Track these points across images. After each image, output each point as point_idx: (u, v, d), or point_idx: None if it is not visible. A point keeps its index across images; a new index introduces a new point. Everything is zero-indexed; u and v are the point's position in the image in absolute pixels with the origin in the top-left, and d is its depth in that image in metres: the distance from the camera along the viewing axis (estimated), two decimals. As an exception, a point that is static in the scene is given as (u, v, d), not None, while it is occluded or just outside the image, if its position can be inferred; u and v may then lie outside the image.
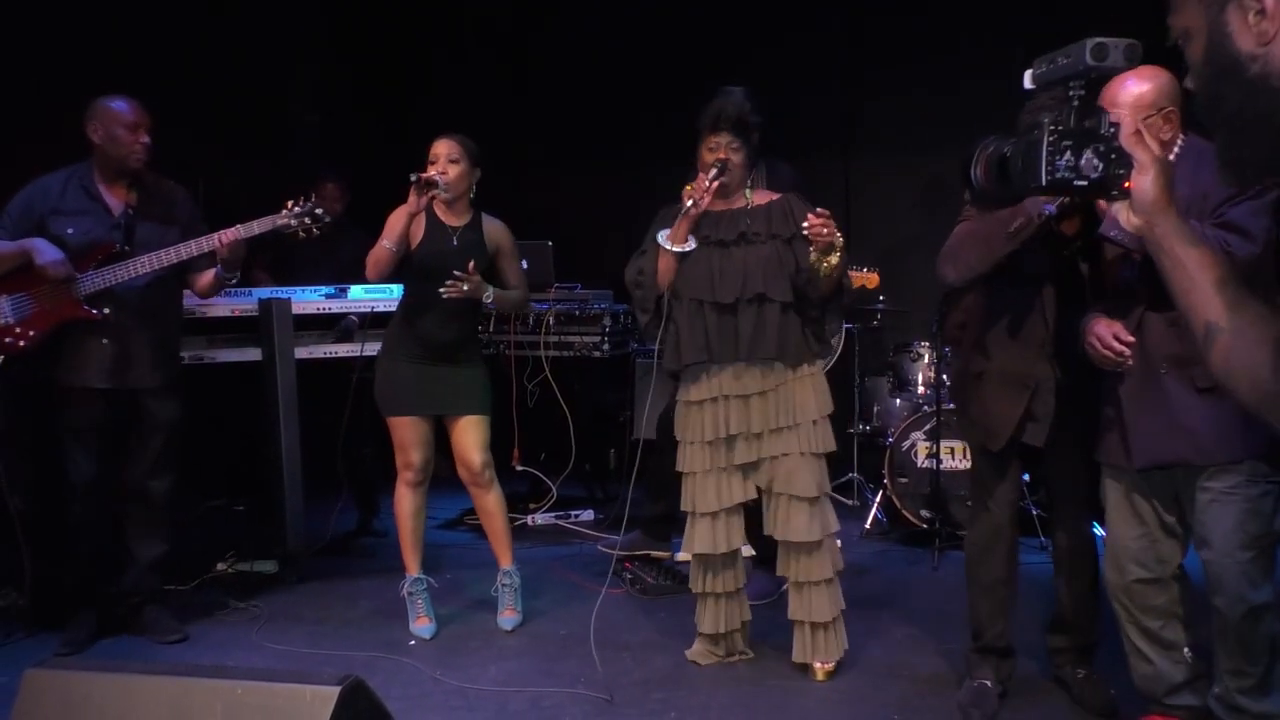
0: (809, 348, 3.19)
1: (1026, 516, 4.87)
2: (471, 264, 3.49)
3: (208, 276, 3.61)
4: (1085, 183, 1.37)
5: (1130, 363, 2.51)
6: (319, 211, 3.50)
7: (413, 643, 3.60)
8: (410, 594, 3.70)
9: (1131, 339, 2.52)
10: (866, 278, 4.81)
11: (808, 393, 3.17)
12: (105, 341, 3.46)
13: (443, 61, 6.87)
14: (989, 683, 3.04)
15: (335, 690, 1.71)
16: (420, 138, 3.66)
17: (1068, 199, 2.57)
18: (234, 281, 3.64)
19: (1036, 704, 3.10)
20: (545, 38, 6.76)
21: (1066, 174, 1.37)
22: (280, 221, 3.49)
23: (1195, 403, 2.48)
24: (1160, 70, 2.50)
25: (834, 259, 3.01)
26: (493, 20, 6.87)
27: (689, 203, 3.10)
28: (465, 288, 3.46)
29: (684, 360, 3.18)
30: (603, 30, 6.54)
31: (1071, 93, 1.39)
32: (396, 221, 3.45)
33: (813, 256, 3.02)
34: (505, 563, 3.80)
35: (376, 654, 3.48)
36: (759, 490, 3.23)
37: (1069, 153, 1.36)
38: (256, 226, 3.48)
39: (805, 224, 3.00)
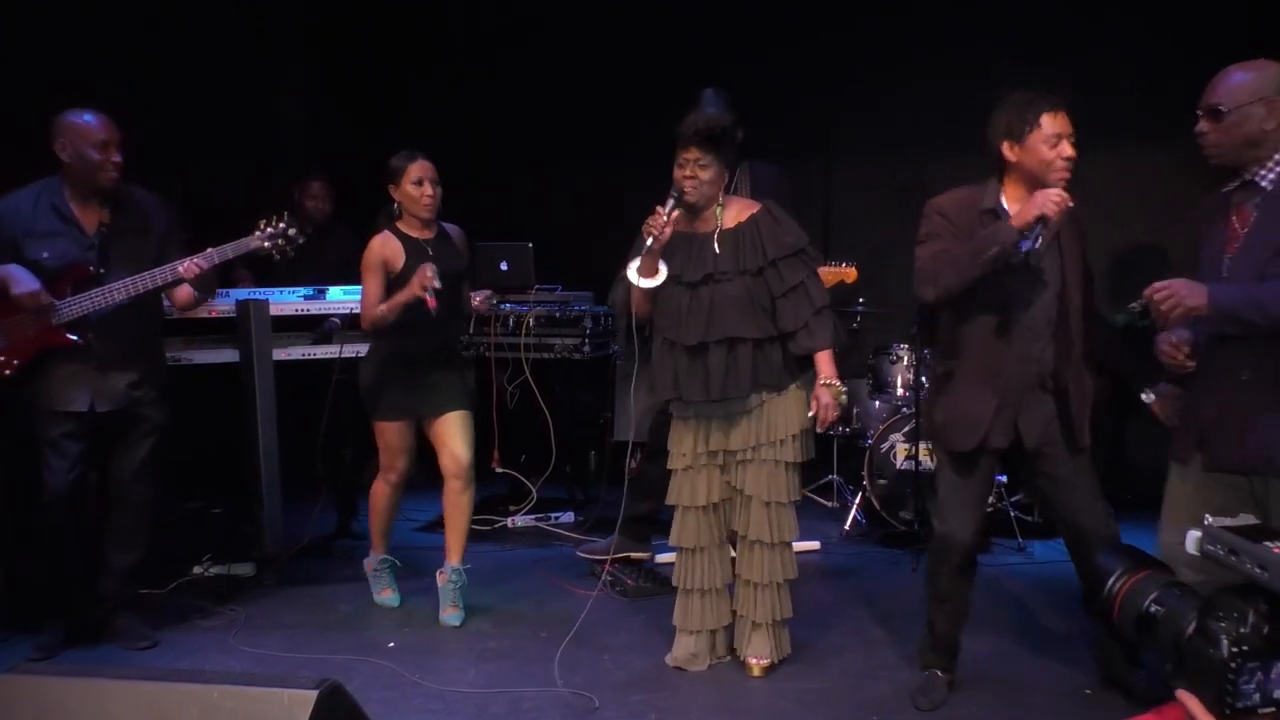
0: (789, 373, 3.20)
1: (1004, 519, 4.91)
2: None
3: (185, 291, 3.57)
4: (1273, 708, 1.19)
5: (1190, 366, 2.50)
6: (292, 233, 3.48)
7: (391, 644, 3.58)
8: (376, 570, 3.96)
9: (1188, 349, 2.51)
10: (844, 272, 4.82)
11: (790, 408, 3.19)
12: (90, 366, 3.41)
13: (427, 61, 6.85)
14: (939, 672, 3.14)
15: (313, 694, 1.69)
16: (405, 137, 3.69)
17: (1039, 243, 2.64)
18: (210, 299, 3.60)
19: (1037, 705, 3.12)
20: (529, 39, 6.75)
21: (1255, 699, 1.19)
22: (253, 244, 3.46)
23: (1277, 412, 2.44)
24: (1269, 63, 2.51)
25: (843, 399, 3.14)
26: (477, 20, 6.86)
27: (649, 240, 3.04)
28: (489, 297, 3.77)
29: (658, 396, 3.25)
30: (585, 32, 6.54)
31: (1261, 607, 1.19)
32: (396, 302, 3.56)
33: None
34: (456, 559, 3.85)
35: (355, 657, 3.46)
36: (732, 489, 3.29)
37: (1259, 674, 1.18)
38: (230, 251, 3.44)
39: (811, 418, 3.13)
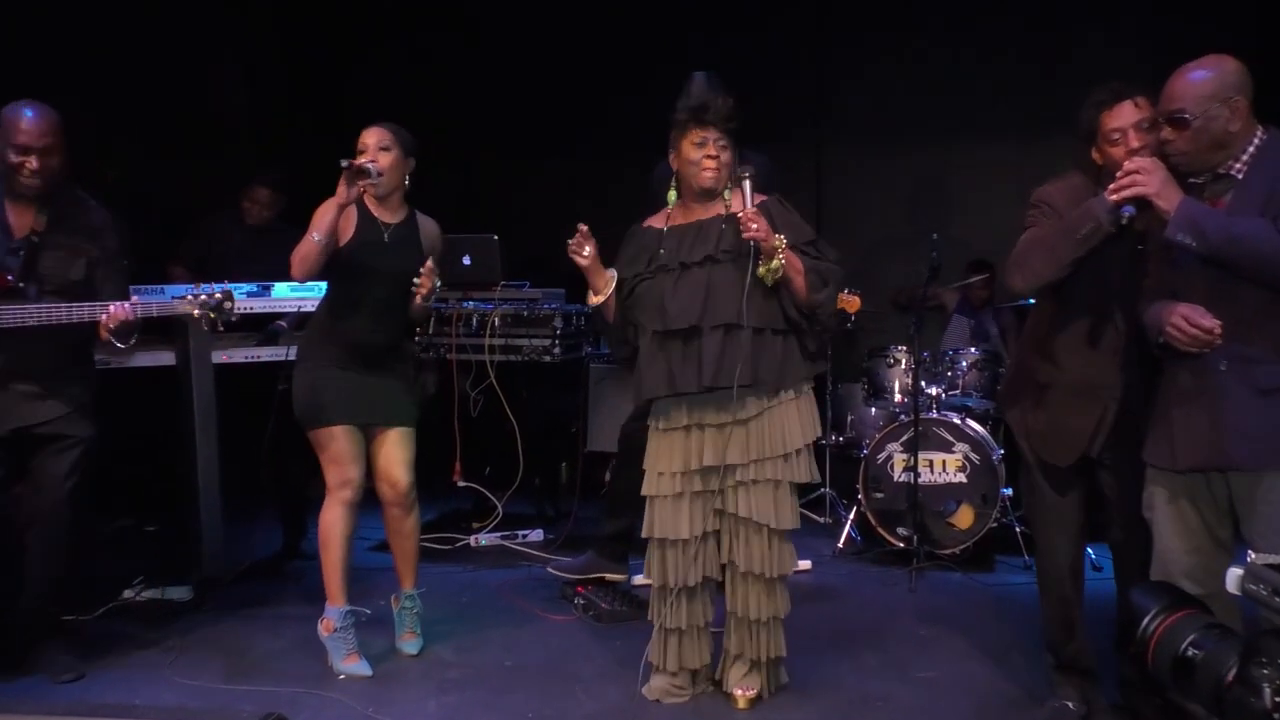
0: (793, 370, 3.18)
1: (1009, 534, 4.93)
2: (430, 261, 3.55)
3: (102, 333, 3.44)
4: None
5: (1220, 340, 2.54)
6: (228, 306, 3.45)
7: (343, 676, 3.56)
8: (340, 631, 3.61)
9: (1217, 320, 2.55)
10: (847, 301, 4.84)
11: (791, 420, 3.16)
12: None
13: (385, 40, 6.82)
14: (1070, 704, 3.15)
15: (254, 730, 1.68)
16: (355, 119, 3.64)
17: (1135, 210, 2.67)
18: (126, 346, 3.51)
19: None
20: (496, 16, 6.74)
21: None
22: (180, 309, 3.43)
23: (1254, 404, 2.56)
24: (1224, 58, 2.63)
25: (773, 264, 3.01)
26: (438, -2, 6.85)
27: (577, 258, 3.18)
28: (437, 282, 3.56)
29: (644, 395, 3.20)
30: (558, 9, 6.53)
31: None
32: (325, 214, 3.43)
33: (762, 269, 3.04)
34: (409, 585, 3.80)
35: (303, 689, 3.43)
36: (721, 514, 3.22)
37: None
38: (155, 310, 3.41)
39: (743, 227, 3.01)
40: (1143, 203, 2.63)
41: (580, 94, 6.44)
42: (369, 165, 3.44)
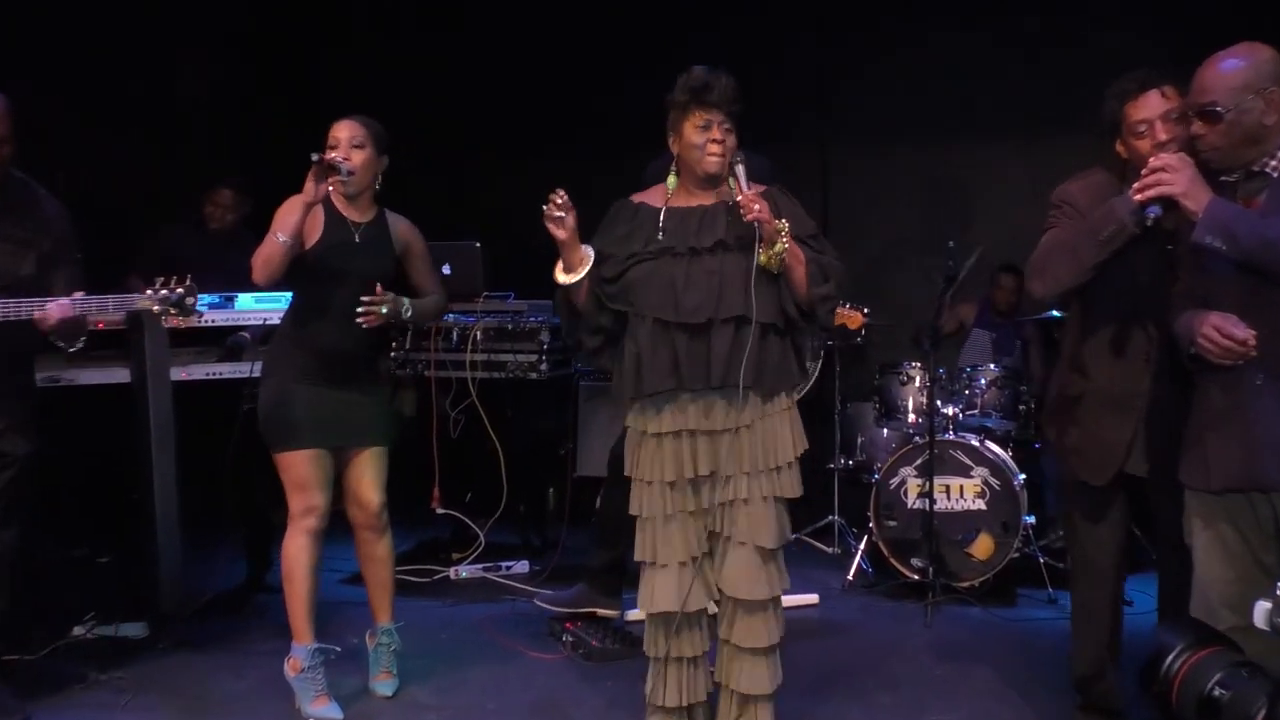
0: (788, 375, 3.17)
1: (1032, 565, 4.91)
2: (379, 286, 3.52)
3: (45, 330, 3.40)
4: None
5: (1255, 352, 2.52)
6: (190, 301, 3.42)
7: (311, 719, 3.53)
8: (307, 671, 3.58)
9: (1252, 330, 2.52)
10: (848, 316, 4.84)
11: (785, 430, 3.15)
12: None
13: (361, 35, 6.82)
14: None
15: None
16: (328, 117, 3.62)
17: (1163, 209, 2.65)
18: (72, 349, 3.45)
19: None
20: (479, 8, 6.75)
21: None
22: (139, 305, 3.40)
23: None
24: (1257, 46, 2.62)
25: (776, 248, 2.99)
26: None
27: (555, 227, 3.09)
28: (383, 309, 3.52)
29: (645, 389, 3.12)
30: (545, 3, 6.54)
31: None
32: (290, 212, 3.41)
33: (764, 256, 3.01)
34: (385, 619, 3.78)
35: (266, 734, 3.41)
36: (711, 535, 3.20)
37: None
38: (112, 305, 3.38)
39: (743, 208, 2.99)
40: (1170, 202, 2.61)
41: (574, 92, 6.44)
42: (340, 162, 3.42)
